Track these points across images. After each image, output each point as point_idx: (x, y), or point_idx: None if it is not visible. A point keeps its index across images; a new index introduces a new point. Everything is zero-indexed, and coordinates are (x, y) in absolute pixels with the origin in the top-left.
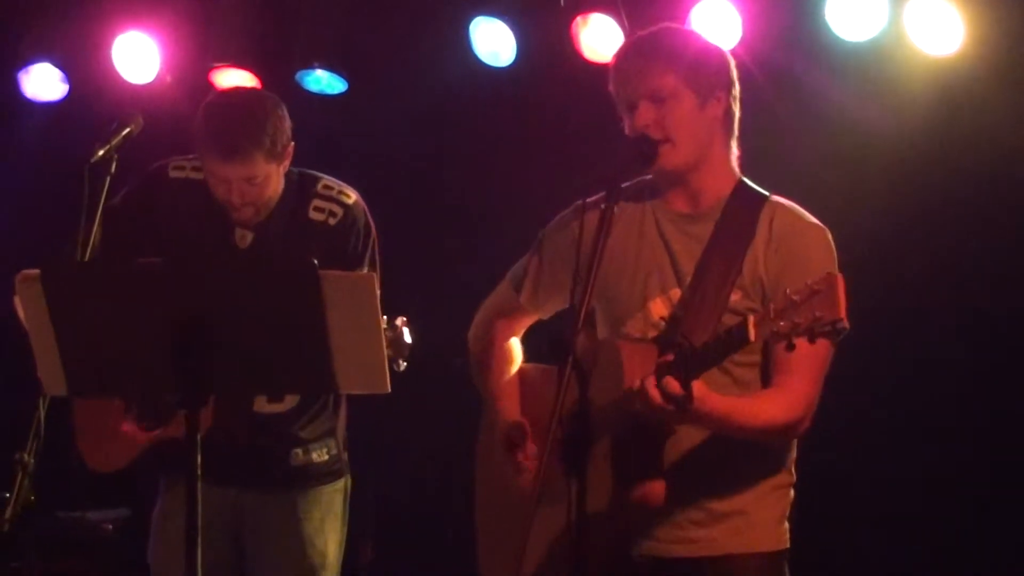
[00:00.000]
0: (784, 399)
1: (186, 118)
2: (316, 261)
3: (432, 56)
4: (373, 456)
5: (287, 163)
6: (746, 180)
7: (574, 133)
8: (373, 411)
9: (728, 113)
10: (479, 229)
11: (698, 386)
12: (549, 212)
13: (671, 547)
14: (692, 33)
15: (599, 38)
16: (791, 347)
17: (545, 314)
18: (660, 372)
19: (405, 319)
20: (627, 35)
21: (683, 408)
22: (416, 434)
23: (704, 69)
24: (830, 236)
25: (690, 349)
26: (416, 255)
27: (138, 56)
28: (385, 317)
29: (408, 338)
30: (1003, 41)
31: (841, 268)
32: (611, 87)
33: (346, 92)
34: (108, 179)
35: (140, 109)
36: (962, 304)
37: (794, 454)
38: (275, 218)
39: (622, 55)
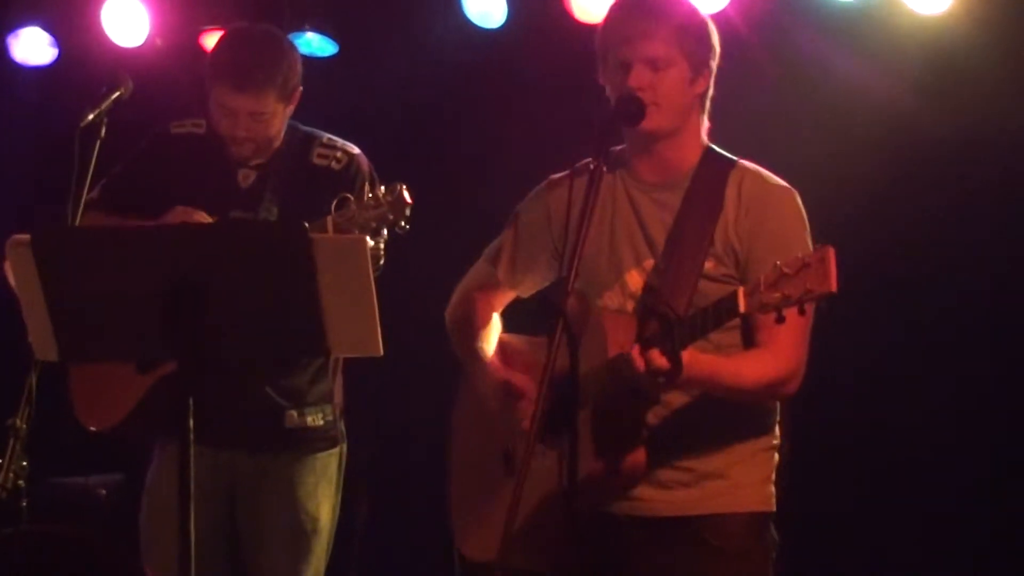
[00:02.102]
0: (771, 356)
1: (176, 82)
2: (308, 224)
3: (423, 18)
4: (368, 418)
5: (292, 108)
6: (713, 147)
7: (566, 94)
8: (367, 373)
9: (707, 89)
10: (472, 192)
11: (686, 354)
12: (541, 173)
13: (655, 506)
14: (689, 2)
15: None
16: (780, 319)
17: (523, 291)
18: (646, 343)
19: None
20: None
21: (672, 377)
22: (411, 396)
23: (702, 45)
24: (798, 197)
25: (676, 320)
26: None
27: (127, 20)
28: (383, 187)
29: (408, 198)
30: (993, 0)
31: (829, 231)
32: (601, 40)
33: (336, 55)
34: (98, 143)
35: (130, 73)
36: (951, 270)
37: (778, 416)
38: (277, 160)
39: (624, 13)
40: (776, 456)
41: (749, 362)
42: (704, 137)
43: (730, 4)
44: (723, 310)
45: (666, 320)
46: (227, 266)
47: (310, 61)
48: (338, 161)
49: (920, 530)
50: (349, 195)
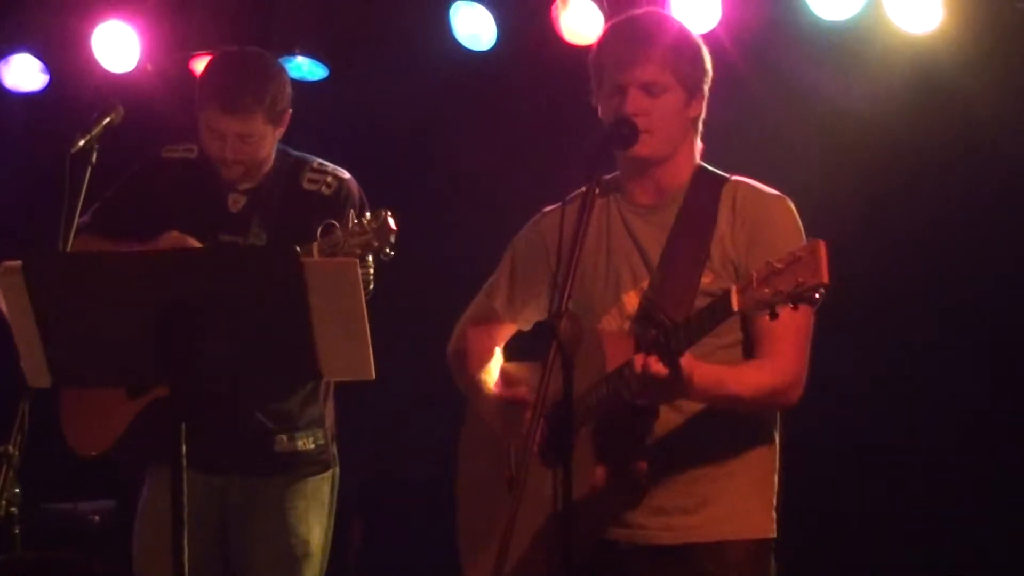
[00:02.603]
0: (771, 365)
1: (166, 107)
2: (299, 247)
3: (412, 41)
4: (361, 441)
5: (282, 130)
6: (704, 165)
7: (556, 116)
8: (361, 396)
9: (701, 112)
10: (463, 214)
11: (686, 358)
12: (533, 194)
13: (655, 534)
14: (679, 23)
15: (580, 20)
16: (774, 315)
17: (524, 324)
18: (645, 350)
19: (389, 211)
20: (607, 17)
21: (673, 384)
22: (404, 419)
23: (696, 68)
24: (792, 204)
25: (672, 325)
26: (400, 242)
27: (118, 45)
28: (368, 213)
29: (393, 225)
30: (983, 18)
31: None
32: (596, 63)
33: (327, 78)
34: (89, 169)
35: (120, 98)
36: (943, 286)
37: (778, 440)
38: (267, 185)
39: (619, 36)
40: (776, 481)
41: (750, 370)
42: (697, 157)
43: (719, 24)
44: (717, 310)
45: (663, 326)
46: (218, 290)
47: (300, 85)
48: (328, 186)
49: (922, 551)
50: (335, 221)
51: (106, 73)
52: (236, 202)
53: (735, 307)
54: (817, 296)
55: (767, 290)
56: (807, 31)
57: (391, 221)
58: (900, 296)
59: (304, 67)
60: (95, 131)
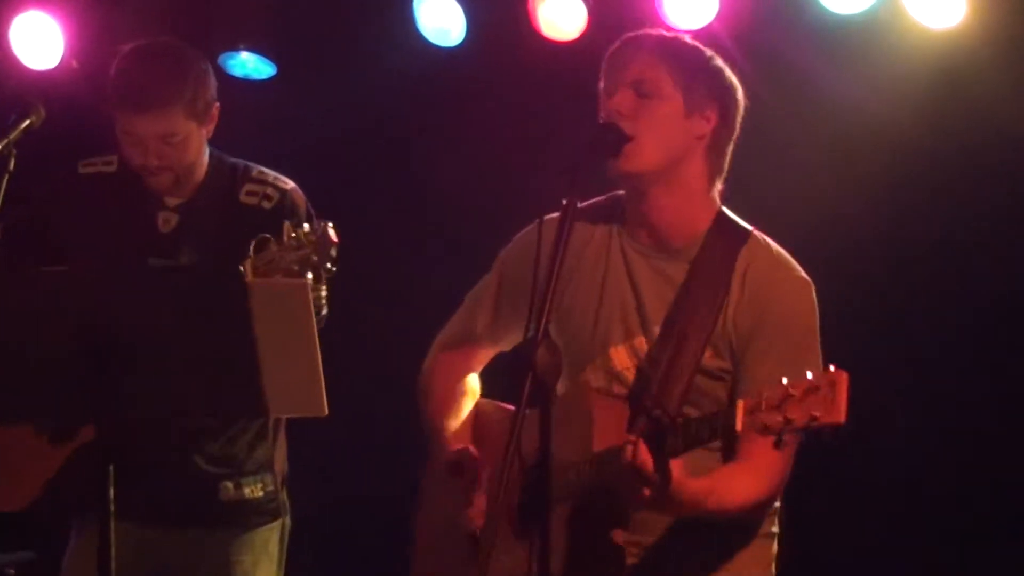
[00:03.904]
0: (757, 476)
1: (94, 107)
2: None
3: (371, 36)
4: (314, 487)
5: (211, 127)
6: (726, 211)
7: (533, 120)
8: (313, 439)
9: (716, 141)
10: (429, 230)
11: (675, 466)
12: (507, 208)
13: None
14: (706, 50)
15: (559, 13)
16: (780, 444)
17: (506, 346)
18: (636, 439)
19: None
20: (590, 9)
21: (658, 491)
22: (361, 461)
23: (705, 81)
24: (813, 292)
25: (669, 425)
26: (356, 260)
27: (39, 39)
28: (306, 225)
29: (335, 237)
30: (1009, 12)
31: (830, 267)
32: (601, 82)
33: (275, 77)
34: (7, 177)
35: (42, 98)
36: (962, 299)
37: (777, 503)
38: (201, 199)
39: (620, 44)
40: (775, 546)
41: (738, 482)
42: (715, 197)
43: (716, 18)
44: (718, 425)
45: (658, 424)
46: (151, 316)
47: (245, 84)
48: (269, 199)
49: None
50: (269, 235)
51: (25, 70)
52: (167, 221)
53: (738, 427)
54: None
55: (778, 417)
56: (815, 26)
57: (332, 233)
58: (917, 312)
59: (249, 64)
60: (13, 135)
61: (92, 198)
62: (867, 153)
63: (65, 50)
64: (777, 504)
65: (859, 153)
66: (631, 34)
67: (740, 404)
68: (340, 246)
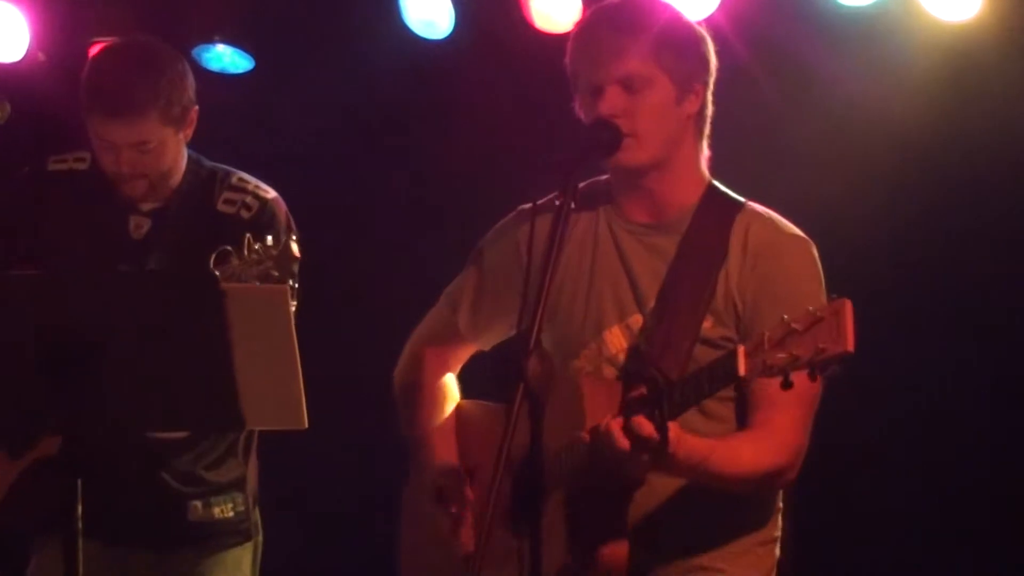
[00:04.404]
0: (769, 441)
1: (62, 104)
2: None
3: (354, 29)
4: (288, 504)
5: (189, 132)
6: (717, 184)
7: (524, 116)
8: (289, 453)
9: (703, 110)
10: (415, 231)
11: (673, 427)
12: (496, 205)
13: None
14: (671, 8)
15: (553, 4)
16: (788, 384)
17: (486, 343)
18: (629, 410)
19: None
20: (586, 0)
21: (657, 454)
22: (339, 478)
23: (687, 57)
24: (815, 250)
25: (666, 383)
26: (337, 264)
27: (4, 30)
28: (269, 238)
29: (297, 252)
30: None
31: (841, 268)
32: (570, 62)
33: (252, 71)
34: None
35: (7, 93)
36: (976, 302)
37: (780, 504)
38: (176, 206)
39: (591, 27)
40: (777, 550)
41: (744, 446)
42: (704, 168)
43: (719, 9)
44: (719, 372)
45: (655, 383)
46: (121, 322)
47: (221, 79)
48: (248, 208)
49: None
50: (230, 248)
51: None
52: (139, 226)
53: (741, 371)
54: (838, 366)
55: (781, 354)
56: (822, 18)
57: (295, 247)
58: (929, 316)
59: (225, 58)
60: None
61: (61, 197)
62: (877, 152)
63: (31, 42)
64: (780, 506)
65: (868, 151)
66: (598, 11)
67: (741, 348)
68: (318, 253)
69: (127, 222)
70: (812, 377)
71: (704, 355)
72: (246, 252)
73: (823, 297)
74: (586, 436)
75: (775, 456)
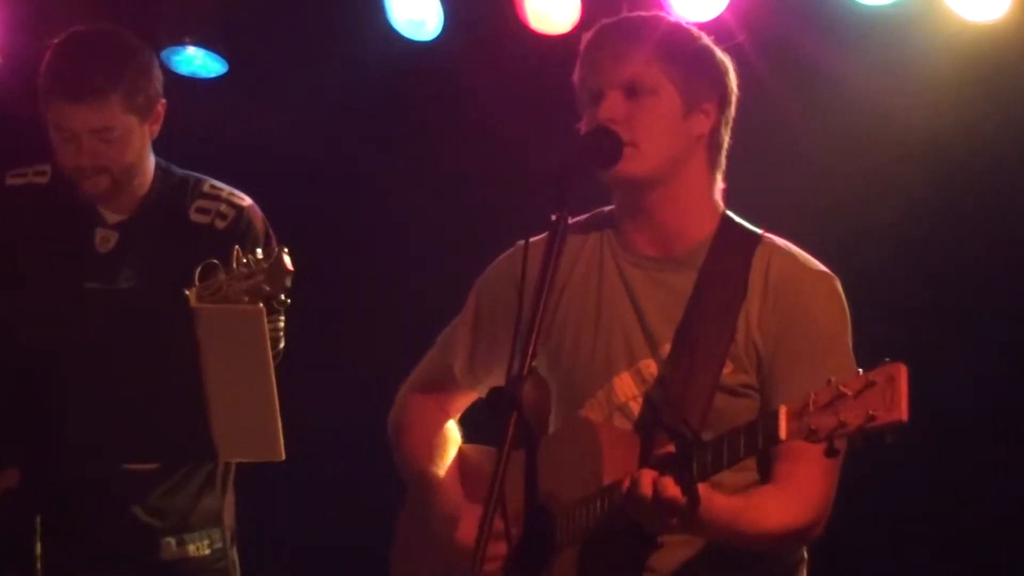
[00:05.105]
0: (795, 498)
1: (20, 109)
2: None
3: (336, 29)
4: (268, 542)
5: (155, 128)
6: (732, 216)
7: (518, 124)
8: (267, 487)
9: (715, 136)
10: (401, 248)
11: (702, 489)
12: (489, 222)
13: None
14: (687, 26)
15: (550, 4)
16: (833, 452)
17: (484, 391)
18: (658, 468)
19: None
20: (585, 0)
21: (685, 518)
22: (320, 513)
23: (700, 72)
24: (840, 286)
25: (696, 441)
26: (317, 284)
27: None
28: (259, 251)
29: (290, 265)
30: None
31: (862, 285)
32: (577, 76)
33: (226, 75)
34: None
35: None
36: (1017, 309)
37: (804, 555)
38: (144, 217)
39: (599, 35)
40: (804, 572)
41: (771, 505)
42: (718, 199)
43: (727, 8)
44: (758, 434)
45: (684, 441)
46: (85, 345)
47: (191, 83)
48: (223, 217)
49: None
50: (216, 261)
51: None
52: (105, 240)
53: (783, 435)
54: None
55: (828, 419)
56: (839, 18)
57: (287, 260)
58: (957, 327)
59: (197, 61)
60: None
61: (21, 213)
62: (899, 160)
63: None
64: (805, 556)
65: (889, 160)
66: (610, 21)
67: (783, 409)
68: (297, 271)
69: (92, 236)
70: (857, 446)
71: (724, 405)
72: (234, 265)
73: (848, 338)
74: (605, 490)
75: (801, 514)
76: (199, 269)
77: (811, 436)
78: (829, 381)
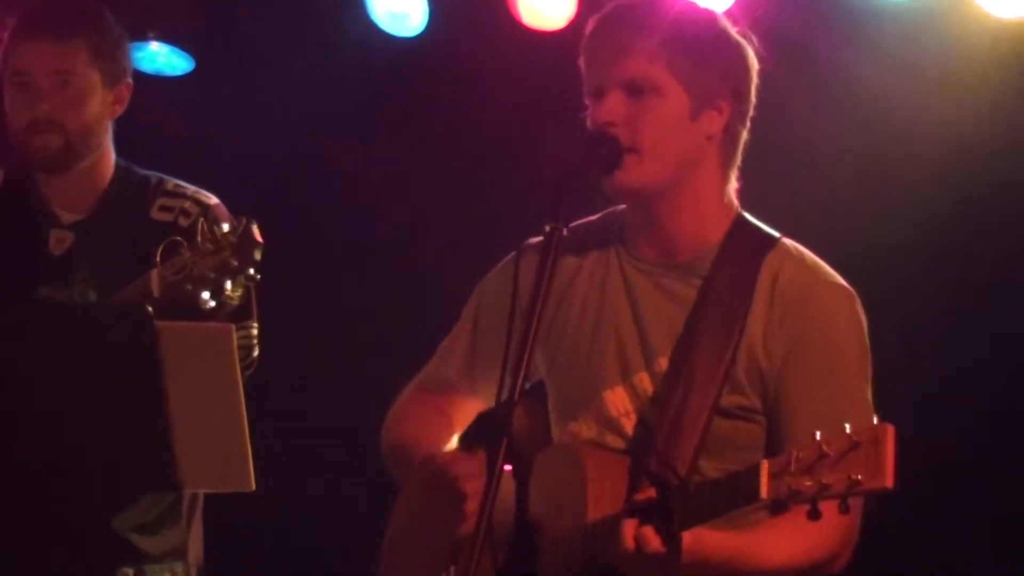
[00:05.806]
0: (812, 530)
1: None
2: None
3: (312, 23)
4: None
5: (118, 108)
6: (747, 217)
7: (509, 125)
8: (239, 514)
9: (729, 132)
10: (379, 256)
11: (687, 536)
12: (476, 228)
13: None
14: (706, 12)
15: None
16: (815, 515)
17: (488, 399)
18: (638, 515)
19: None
20: None
21: (667, 567)
22: (293, 547)
23: (712, 65)
24: (858, 304)
25: (680, 491)
26: (293, 295)
27: None
28: (225, 225)
29: (259, 236)
30: None
31: (882, 297)
32: (582, 71)
33: (192, 73)
34: None
35: None
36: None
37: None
38: (103, 215)
39: (601, 24)
40: None
41: (781, 538)
42: (732, 199)
43: (736, 3)
44: (738, 492)
45: (667, 491)
46: (37, 365)
47: (155, 81)
48: (186, 214)
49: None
50: (180, 238)
51: None
52: (60, 241)
53: (763, 494)
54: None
55: (808, 482)
56: (858, 13)
57: (255, 231)
58: (974, 355)
59: (161, 58)
60: None
61: None
62: (924, 163)
63: None
64: None
65: (914, 163)
66: (613, 5)
67: (764, 465)
68: (264, 278)
69: (47, 237)
70: (843, 509)
71: (724, 429)
72: (199, 240)
73: (867, 365)
74: (587, 531)
75: (816, 547)
76: (161, 247)
77: (793, 497)
78: (813, 439)
